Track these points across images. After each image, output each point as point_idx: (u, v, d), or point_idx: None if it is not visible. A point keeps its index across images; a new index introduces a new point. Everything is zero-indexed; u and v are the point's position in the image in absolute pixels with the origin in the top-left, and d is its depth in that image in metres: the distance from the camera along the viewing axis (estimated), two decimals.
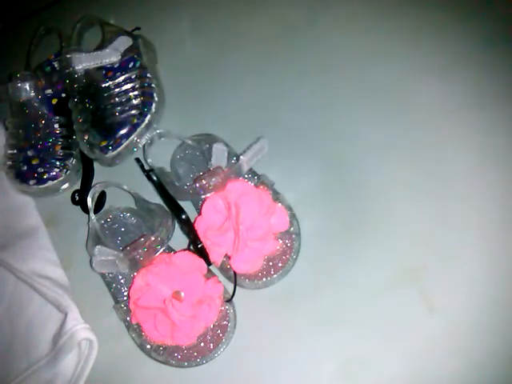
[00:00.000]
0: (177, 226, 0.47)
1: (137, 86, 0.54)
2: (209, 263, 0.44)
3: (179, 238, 0.47)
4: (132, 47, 0.56)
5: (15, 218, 0.54)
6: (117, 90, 0.53)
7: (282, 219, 0.44)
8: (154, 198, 0.49)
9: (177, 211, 0.46)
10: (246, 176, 0.47)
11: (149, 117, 0.52)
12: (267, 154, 0.47)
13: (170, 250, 0.46)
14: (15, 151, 0.56)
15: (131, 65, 0.55)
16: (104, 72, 0.54)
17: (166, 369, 0.42)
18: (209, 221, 0.45)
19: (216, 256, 0.44)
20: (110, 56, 0.54)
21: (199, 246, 0.44)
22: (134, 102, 0.53)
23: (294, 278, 0.44)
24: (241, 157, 0.46)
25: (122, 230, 0.49)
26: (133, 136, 0.52)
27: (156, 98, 0.53)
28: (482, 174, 0.45)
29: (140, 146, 0.52)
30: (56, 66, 0.59)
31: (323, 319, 0.42)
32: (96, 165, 0.55)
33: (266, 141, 0.47)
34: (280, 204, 0.45)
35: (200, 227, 0.45)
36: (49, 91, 0.58)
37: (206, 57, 0.59)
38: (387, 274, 0.42)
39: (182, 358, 0.42)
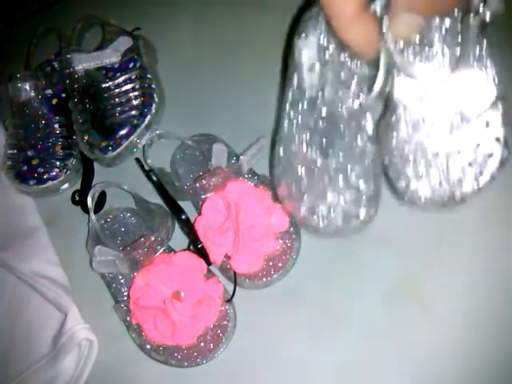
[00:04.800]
0: (177, 226, 0.47)
1: (137, 86, 0.54)
2: (209, 263, 0.44)
3: (179, 238, 0.47)
4: (132, 47, 0.56)
5: (15, 218, 0.54)
6: (117, 90, 0.53)
7: (282, 219, 0.44)
8: (154, 198, 0.49)
9: (177, 211, 0.46)
10: (246, 176, 0.47)
11: (149, 117, 0.53)
12: (267, 154, 0.47)
13: (170, 249, 0.46)
14: (15, 151, 0.56)
15: (131, 65, 0.55)
16: (104, 72, 0.54)
17: (166, 369, 0.42)
18: (209, 221, 0.45)
19: (216, 256, 0.44)
20: (110, 56, 0.55)
21: (199, 246, 0.44)
22: (134, 102, 0.53)
23: (294, 278, 0.44)
24: (241, 157, 0.46)
25: (122, 230, 0.49)
26: (133, 136, 0.52)
27: (156, 99, 0.54)
28: None
29: (140, 146, 0.52)
30: (56, 66, 0.59)
31: (323, 319, 0.42)
32: (96, 165, 0.55)
33: (265, 141, 0.47)
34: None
35: (200, 227, 0.45)
36: (49, 91, 0.58)
37: (206, 57, 0.59)
38: (387, 276, 0.42)
39: (181, 358, 0.42)
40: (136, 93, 0.53)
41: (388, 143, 0.35)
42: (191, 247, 0.45)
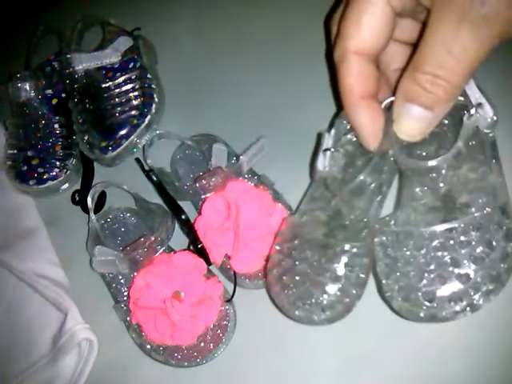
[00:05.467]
0: (177, 226, 0.47)
1: (137, 86, 0.54)
2: (209, 263, 0.44)
3: (179, 238, 0.47)
4: (132, 47, 0.56)
5: (15, 218, 0.54)
6: (117, 90, 0.53)
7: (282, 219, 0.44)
8: (154, 198, 0.49)
9: (177, 211, 0.46)
10: (246, 176, 0.47)
11: (149, 117, 0.53)
12: (267, 154, 0.47)
13: (170, 249, 0.46)
14: (15, 151, 0.56)
15: (131, 65, 0.55)
16: (104, 72, 0.54)
17: (166, 369, 0.42)
18: (209, 221, 0.45)
19: (216, 256, 0.44)
20: (110, 56, 0.55)
21: (199, 246, 0.44)
22: (134, 102, 0.53)
23: None
24: (241, 157, 0.46)
25: (122, 229, 0.49)
26: (133, 137, 0.52)
27: (156, 99, 0.54)
28: None
29: (140, 146, 0.52)
30: (56, 66, 0.59)
31: None
32: (96, 165, 0.55)
33: (265, 141, 0.47)
34: (280, 204, 0.45)
35: (200, 227, 0.45)
36: (49, 91, 0.58)
37: (206, 57, 0.59)
38: None
39: (181, 358, 0.42)
40: (136, 93, 0.53)
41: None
42: (191, 247, 0.45)
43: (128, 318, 0.43)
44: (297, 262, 0.37)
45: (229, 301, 0.43)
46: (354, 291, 0.36)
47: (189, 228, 0.45)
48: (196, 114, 0.55)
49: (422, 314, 0.33)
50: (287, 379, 0.41)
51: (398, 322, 0.38)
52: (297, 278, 0.36)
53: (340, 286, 0.35)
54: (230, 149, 0.48)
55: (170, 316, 0.41)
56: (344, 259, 0.36)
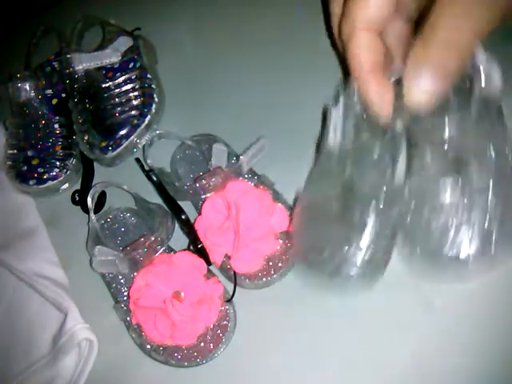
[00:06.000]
0: (177, 226, 0.47)
1: (137, 86, 0.54)
2: (209, 263, 0.44)
3: (179, 238, 0.47)
4: (132, 48, 0.56)
5: (15, 218, 0.54)
6: (117, 90, 0.53)
7: (282, 219, 0.44)
8: (154, 198, 0.49)
9: (177, 211, 0.46)
10: (246, 176, 0.47)
11: (149, 117, 0.53)
12: (267, 154, 0.47)
13: (170, 249, 0.46)
14: (15, 151, 0.56)
15: (131, 65, 0.55)
16: (104, 72, 0.54)
17: (166, 369, 0.42)
18: (209, 221, 0.45)
19: (216, 256, 0.44)
20: (110, 56, 0.55)
21: (199, 246, 0.44)
22: (134, 102, 0.53)
23: (295, 278, 0.43)
24: (241, 157, 0.46)
25: (122, 230, 0.49)
26: (133, 137, 0.52)
27: (156, 99, 0.54)
28: None
29: (140, 146, 0.52)
30: (56, 66, 0.59)
31: (324, 317, 0.41)
32: (96, 165, 0.55)
33: (266, 141, 0.47)
34: (280, 204, 0.45)
35: (200, 227, 0.45)
36: (49, 91, 0.58)
37: (206, 57, 0.59)
38: (387, 270, 0.42)
39: (181, 358, 0.42)
40: (136, 93, 0.53)
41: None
42: (191, 247, 0.45)
43: (128, 318, 0.43)
44: (323, 234, 0.38)
45: (229, 301, 0.43)
46: (386, 245, 0.38)
47: (189, 228, 0.45)
48: (196, 114, 0.55)
49: (443, 263, 0.36)
50: (287, 379, 0.41)
51: (398, 317, 0.39)
52: (327, 242, 0.38)
53: (371, 239, 0.37)
54: (230, 149, 0.48)
55: (170, 316, 0.41)
56: (370, 221, 0.37)
